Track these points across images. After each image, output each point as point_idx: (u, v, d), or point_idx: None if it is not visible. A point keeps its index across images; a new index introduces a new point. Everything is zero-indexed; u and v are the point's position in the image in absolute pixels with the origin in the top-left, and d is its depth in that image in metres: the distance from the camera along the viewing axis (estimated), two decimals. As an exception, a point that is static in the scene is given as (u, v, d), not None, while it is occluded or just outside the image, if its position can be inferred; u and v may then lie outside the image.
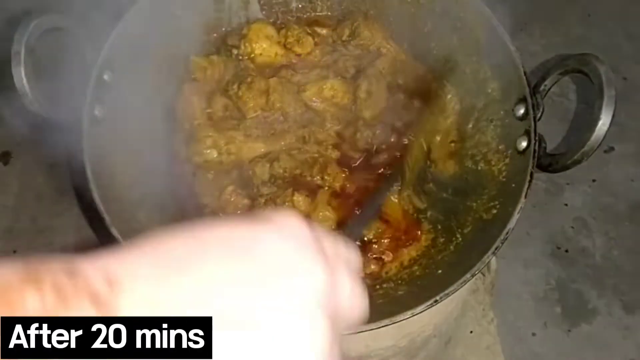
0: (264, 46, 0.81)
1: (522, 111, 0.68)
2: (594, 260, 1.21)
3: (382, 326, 0.57)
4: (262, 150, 0.76)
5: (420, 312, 0.58)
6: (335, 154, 0.76)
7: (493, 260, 1.00)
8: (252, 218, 0.31)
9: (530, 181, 0.63)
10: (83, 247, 1.04)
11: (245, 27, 0.83)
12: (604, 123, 0.57)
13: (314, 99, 0.78)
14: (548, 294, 1.18)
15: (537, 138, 0.64)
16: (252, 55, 0.81)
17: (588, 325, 1.15)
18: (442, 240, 0.71)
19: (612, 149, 1.33)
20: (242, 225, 0.30)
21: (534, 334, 1.14)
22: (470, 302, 1.00)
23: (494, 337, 1.00)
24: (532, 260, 1.21)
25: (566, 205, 1.27)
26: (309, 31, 0.84)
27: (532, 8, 1.52)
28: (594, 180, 1.29)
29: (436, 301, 0.57)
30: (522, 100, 0.68)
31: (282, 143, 0.77)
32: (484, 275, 1.02)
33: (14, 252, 1.20)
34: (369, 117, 0.78)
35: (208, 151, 0.75)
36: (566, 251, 1.22)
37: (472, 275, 0.59)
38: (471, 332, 1.00)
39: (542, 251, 1.22)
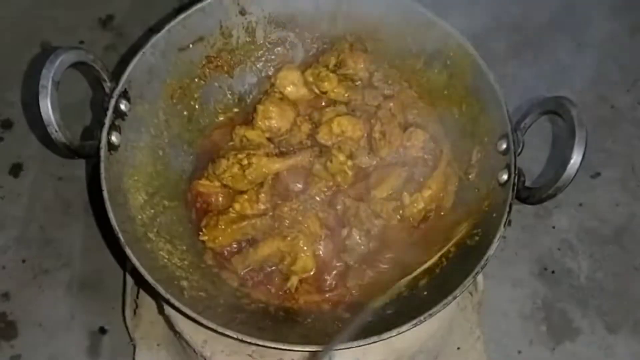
0: (289, 89, 0.89)
1: (504, 146, 0.73)
2: (579, 281, 1.26)
3: (371, 343, 0.63)
4: (279, 166, 0.83)
5: (405, 331, 0.63)
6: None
7: (481, 279, 1.05)
8: None
9: (509, 212, 0.68)
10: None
11: (274, 76, 0.90)
12: (575, 161, 0.63)
13: (325, 137, 0.84)
14: (534, 313, 1.23)
15: (516, 172, 0.70)
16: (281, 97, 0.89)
17: (572, 343, 1.20)
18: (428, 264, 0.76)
19: (598, 174, 1.38)
20: None
21: (519, 352, 1.18)
22: (458, 319, 1.05)
23: (480, 354, 1.05)
24: (519, 280, 1.26)
25: (553, 227, 1.32)
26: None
27: (524, 36, 1.58)
28: (580, 204, 1.35)
29: (420, 321, 0.63)
30: (504, 136, 0.73)
31: (299, 159, 0.83)
32: (471, 294, 1.06)
33: (23, 261, 1.25)
34: (385, 155, 0.84)
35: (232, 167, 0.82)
36: (552, 272, 1.27)
37: (454, 298, 0.64)
38: (458, 348, 1.04)
39: (529, 271, 1.27)
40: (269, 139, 0.85)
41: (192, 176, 0.85)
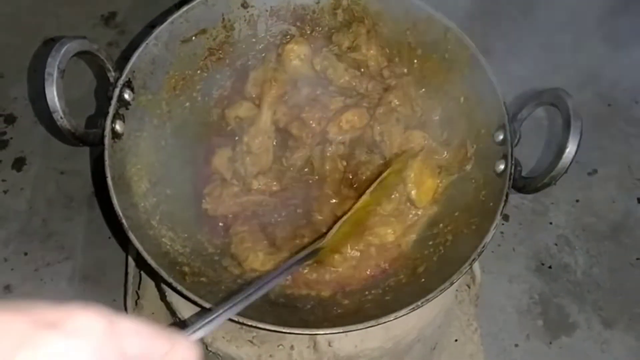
0: (294, 63, 0.88)
1: (501, 137, 0.75)
2: (576, 277, 1.28)
3: (368, 327, 0.64)
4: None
5: (403, 316, 0.64)
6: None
7: (478, 273, 1.06)
8: (41, 319, 0.29)
9: (505, 201, 0.69)
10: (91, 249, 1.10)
11: (281, 47, 0.89)
12: (570, 151, 0.64)
13: (336, 133, 0.84)
14: (531, 307, 1.24)
15: (513, 162, 0.71)
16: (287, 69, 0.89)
17: (568, 338, 1.21)
18: (426, 252, 0.78)
19: (595, 171, 1.40)
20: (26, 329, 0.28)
21: (516, 345, 1.20)
22: (455, 312, 1.06)
23: (477, 346, 1.06)
24: (517, 275, 1.28)
25: (551, 223, 1.34)
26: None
27: (523, 35, 1.60)
28: (577, 201, 1.36)
29: (417, 306, 0.64)
30: (502, 127, 0.75)
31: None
32: (469, 287, 1.08)
33: (25, 254, 1.26)
34: (388, 156, 0.84)
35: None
36: (549, 267, 1.29)
37: (451, 284, 0.65)
38: (456, 340, 1.06)
39: (526, 266, 1.29)
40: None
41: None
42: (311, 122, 0.84)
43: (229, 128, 0.87)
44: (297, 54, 0.87)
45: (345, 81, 0.88)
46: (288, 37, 0.91)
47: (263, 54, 0.91)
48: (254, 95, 0.87)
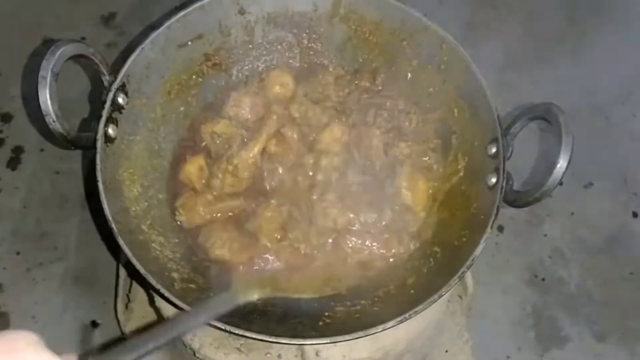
0: (276, 89, 0.90)
1: (494, 150, 0.75)
2: (569, 290, 1.27)
3: (356, 337, 0.64)
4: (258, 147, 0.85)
5: (391, 327, 0.64)
6: None
7: (471, 283, 1.06)
8: None
9: (496, 214, 0.69)
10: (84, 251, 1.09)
11: (265, 73, 0.91)
12: (561, 166, 0.64)
13: (329, 143, 0.85)
14: (523, 319, 1.24)
15: (505, 175, 0.71)
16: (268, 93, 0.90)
17: (560, 351, 1.21)
18: (416, 264, 0.78)
19: (591, 184, 1.39)
20: None
21: (508, 357, 1.19)
22: (447, 323, 1.06)
23: (468, 357, 1.06)
24: (510, 286, 1.27)
25: (545, 235, 1.34)
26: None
27: (523, 47, 1.60)
28: (572, 214, 1.36)
29: (405, 318, 0.64)
30: (495, 140, 0.75)
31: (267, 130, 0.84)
32: (461, 297, 1.07)
33: (18, 253, 1.26)
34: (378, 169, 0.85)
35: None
36: (543, 279, 1.28)
37: (440, 296, 0.65)
38: (446, 351, 1.05)
39: (520, 278, 1.28)
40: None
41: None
42: (291, 136, 0.84)
43: (203, 144, 0.86)
44: (280, 82, 0.89)
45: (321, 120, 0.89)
46: (285, 43, 0.91)
47: (259, 63, 0.91)
48: (231, 115, 0.87)
